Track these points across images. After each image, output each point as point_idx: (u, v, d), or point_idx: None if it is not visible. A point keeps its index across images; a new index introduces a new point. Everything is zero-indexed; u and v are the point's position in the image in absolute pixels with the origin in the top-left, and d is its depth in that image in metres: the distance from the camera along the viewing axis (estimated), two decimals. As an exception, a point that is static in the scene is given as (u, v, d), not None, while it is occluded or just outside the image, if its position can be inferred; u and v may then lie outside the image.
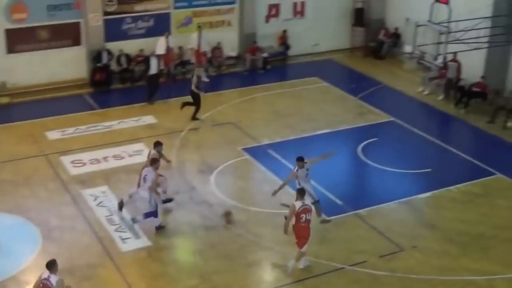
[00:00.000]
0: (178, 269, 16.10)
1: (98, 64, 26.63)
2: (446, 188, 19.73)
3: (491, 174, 20.63)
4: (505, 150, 22.52)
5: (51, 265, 13.03)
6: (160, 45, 26.99)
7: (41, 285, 12.97)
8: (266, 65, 29.65)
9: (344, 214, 18.38)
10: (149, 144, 21.91)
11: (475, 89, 25.54)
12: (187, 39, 28.34)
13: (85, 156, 21.25)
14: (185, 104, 24.03)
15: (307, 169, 17.25)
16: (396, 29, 30.99)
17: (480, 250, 16.84)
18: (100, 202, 18.57)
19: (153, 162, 17.34)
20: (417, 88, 27.33)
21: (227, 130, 23.42)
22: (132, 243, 16.82)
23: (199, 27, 28.10)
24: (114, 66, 27.26)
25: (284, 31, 30.55)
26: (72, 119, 24.06)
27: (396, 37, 31.10)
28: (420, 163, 20.99)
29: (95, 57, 26.72)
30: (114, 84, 27.15)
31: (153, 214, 17.21)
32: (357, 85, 27.67)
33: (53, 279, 12.92)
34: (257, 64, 29.53)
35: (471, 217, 18.35)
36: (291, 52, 30.81)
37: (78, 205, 18.50)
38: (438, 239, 17.30)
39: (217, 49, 28.95)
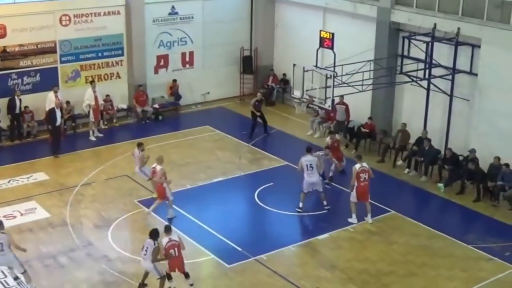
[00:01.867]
0: (79, 328, 15.64)
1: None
2: (343, 228, 20.07)
3: (386, 211, 21.16)
4: (397, 188, 23.19)
5: (168, 229, 16.56)
6: (49, 100, 26.43)
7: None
8: (158, 116, 29.57)
9: (244, 261, 18.35)
10: (41, 202, 21.39)
11: (363, 130, 26.29)
12: (76, 93, 27.91)
13: (-25, 217, 20.43)
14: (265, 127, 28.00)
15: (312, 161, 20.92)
16: (284, 75, 31.66)
17: (380, 287, 17.14)
18: (-7, 265, 17.83)
19: (326, 147, 22.86)
20: (307, 132, 27.92)
21: (122, 182, 23.09)
22: (30, 305, 16.24)
23: (92, 82, 27.78)
24: (2, 123, 26.51)
25: (174, 81, 30.61)
26: (-42, 180, 23.20)
27: (284, 83, 31.75)
28: (316, 206, 21.27)
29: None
30: (2, 142, 26.35)
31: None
32: (248, 132, 27.89)
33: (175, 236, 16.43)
34: (148, 115, 29.42)
35: (369, 255, 18.71)
36: (182, 102, 30.86)
37: (-32, 270, 17.71)
38: (339, 279, 17.51)
39: (107, 101, 28.61)
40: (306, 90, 22.47)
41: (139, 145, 22.19)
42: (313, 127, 27.99)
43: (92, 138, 27.15)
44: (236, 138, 27.38)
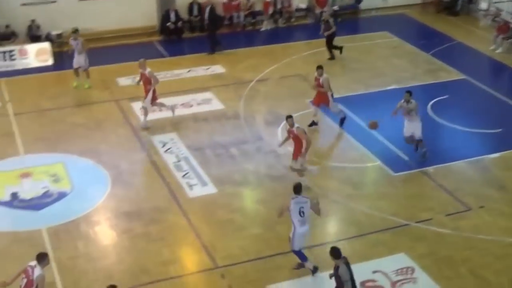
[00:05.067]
0: (243, 217, 16.23)
1: (168, 24, 26.66)
2: (516, 149, 19.33)
3: None
4: None
5: (41, 258, 11.80)
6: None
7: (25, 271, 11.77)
8: (336, 18, 29.32)
9: (410, 171, 18.20)
10: (217, 93, 22.11)
11: (551, 48, 24.87)
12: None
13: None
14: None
15: None
16: (472, -16, 30.28)
17: (551, 213, 16.53)
18: (169, 149, 18.84)
19: None
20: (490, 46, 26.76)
21: (295, 82, 23.33)
22: (198, 189, 17.07)
23: None
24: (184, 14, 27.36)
25: (356, -17, 30.17)
26: (142, 66, 24.34)
27: (471, -7, 30.40)
28: (491, 123, 20.52)
29: (164, 16, 26.85)
30: (185, 33, 27.22)
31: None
32: (428, 41, 27.09)
33: (37, 270, 11.63)
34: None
35: (542, 179, 17.96)
36: (362, 5, 30.39)
37: (147, 151, 18.83)
38: (506, 201, 16.94)
39: (286, 0, 28.74)
40: (493, 2, 21.44)
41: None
42: (496, 42, 26.74)
43: (262, 28, 27.90)
44: (414, 47, 26.70)
